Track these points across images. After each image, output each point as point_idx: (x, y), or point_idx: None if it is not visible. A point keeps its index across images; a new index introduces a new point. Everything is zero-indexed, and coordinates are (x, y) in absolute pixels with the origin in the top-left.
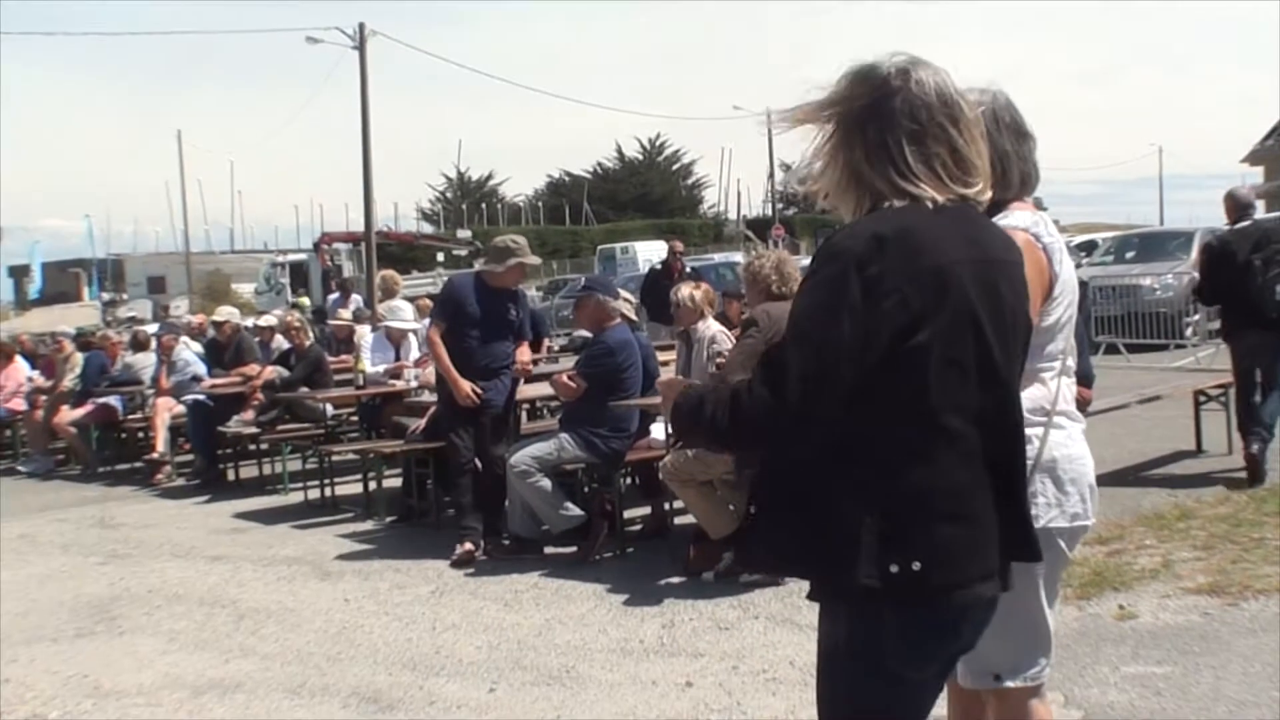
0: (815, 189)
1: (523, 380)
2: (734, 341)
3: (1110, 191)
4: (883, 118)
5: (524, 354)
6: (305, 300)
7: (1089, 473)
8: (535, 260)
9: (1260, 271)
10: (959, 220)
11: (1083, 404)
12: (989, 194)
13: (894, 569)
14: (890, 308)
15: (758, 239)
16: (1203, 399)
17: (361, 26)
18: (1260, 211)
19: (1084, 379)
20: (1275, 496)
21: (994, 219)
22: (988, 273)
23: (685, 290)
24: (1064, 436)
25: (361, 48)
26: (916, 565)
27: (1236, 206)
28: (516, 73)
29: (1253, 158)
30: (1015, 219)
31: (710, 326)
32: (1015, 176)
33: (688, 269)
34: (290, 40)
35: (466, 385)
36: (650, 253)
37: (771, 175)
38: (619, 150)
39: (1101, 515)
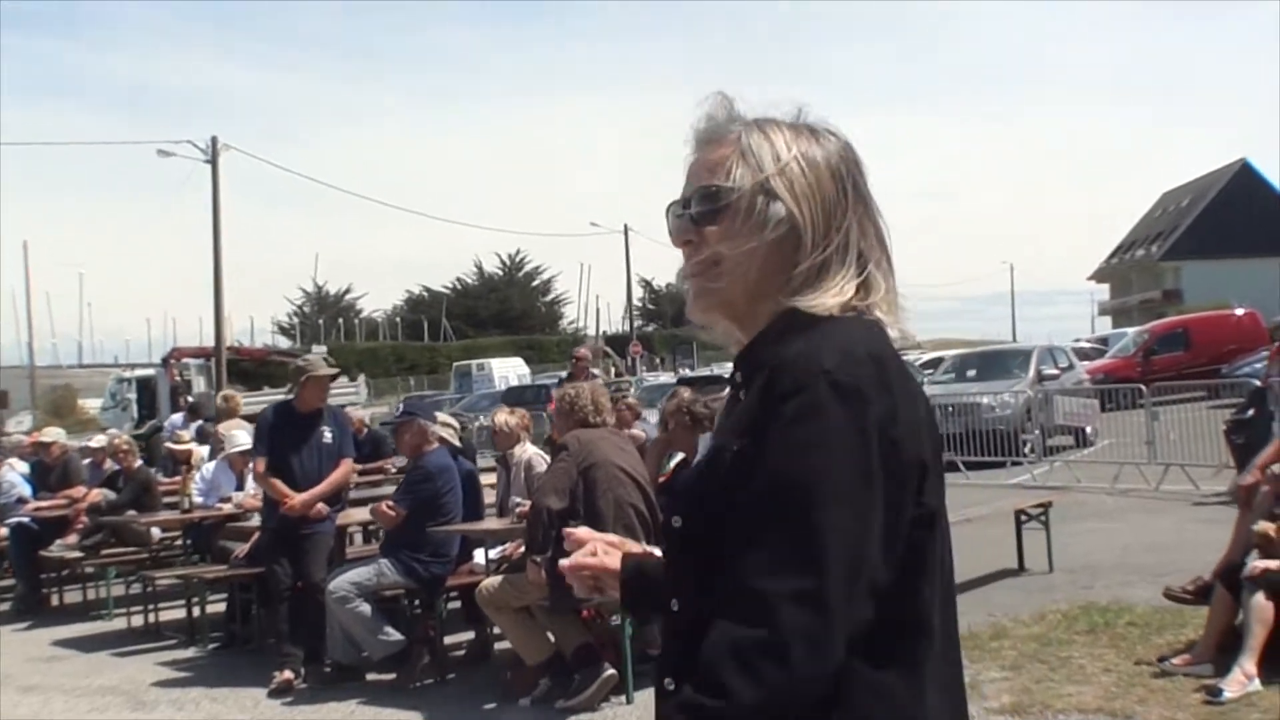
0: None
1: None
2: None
3: (966, 308)
4: (843, 201)
5: (340, 472)
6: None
7: None
8: (326, 372)
9: None
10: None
11: None
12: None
13: None
14: (909, 463)
15: (617, 355)
16: (1024, 518)
17: (214, 140)
18: (1107, 326)
19: None
20: (1086, 615)
21: None
22: (931, 415)
23: (501, 416)
24: None
25: (214, 161)
26: None
27: None
28: (375, 188)
29: (1099, 275)
30: None
31: (526, 450)
32: None
33: (596, 378)
34: (143, 153)
35: (299, 499)
36: (506, 369)
37: (630, 292)
38: (478, 266)
39: None
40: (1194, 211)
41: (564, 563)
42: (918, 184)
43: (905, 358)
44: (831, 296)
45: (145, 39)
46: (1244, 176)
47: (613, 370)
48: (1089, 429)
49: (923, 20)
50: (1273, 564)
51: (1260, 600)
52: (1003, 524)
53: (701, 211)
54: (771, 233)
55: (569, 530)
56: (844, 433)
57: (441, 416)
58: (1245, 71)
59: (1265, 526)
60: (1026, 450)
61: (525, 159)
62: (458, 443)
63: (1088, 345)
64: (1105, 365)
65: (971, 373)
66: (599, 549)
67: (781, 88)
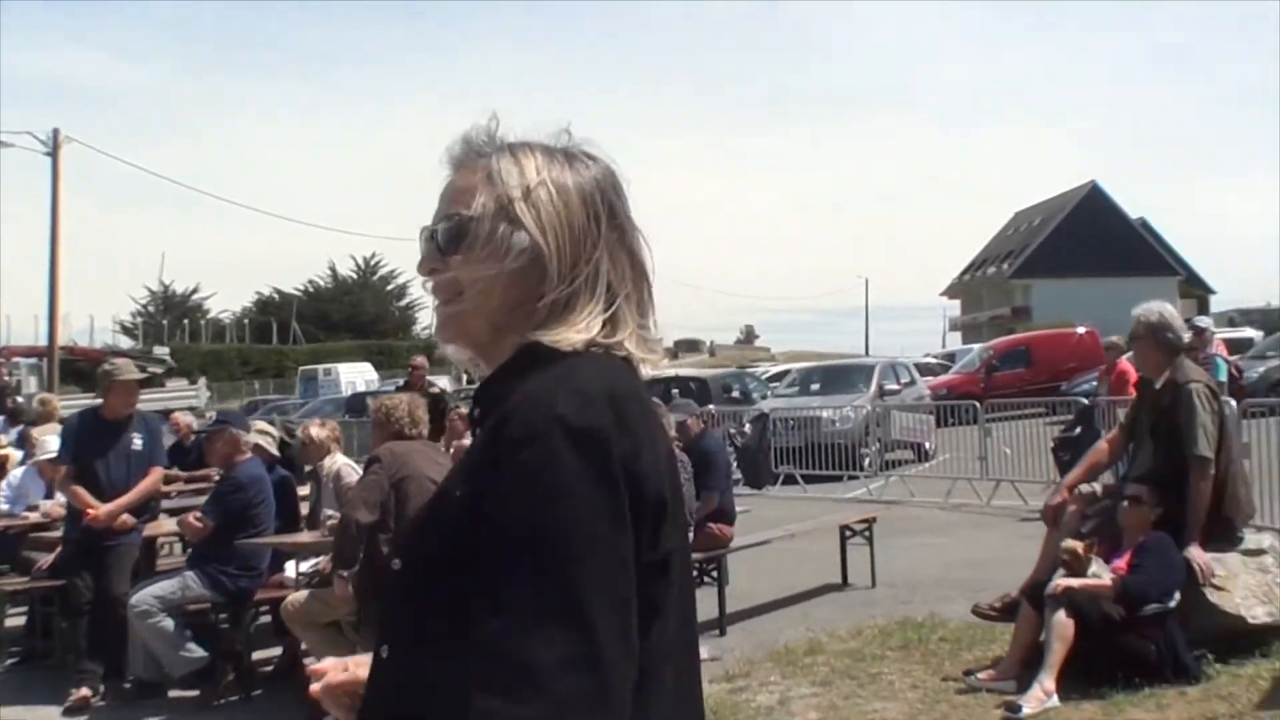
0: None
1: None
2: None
3: (824, 321)
4: (598, 222)
5: (149, 481)
6: None
7: None
8: (132, 376)
9: None
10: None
11: (724, 541)
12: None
13: None
14: (651, 501)
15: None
16: (849, 534)
17: (55, 132)
18: (958, 342)
19: (725, 516)
20: (901, 630)
21: None
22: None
23: (310, 430)
24: None
25: (54, 154)
26: None
27: None
28: (228, 188)
29: (951, 291)
30: None
31: (335, 461)
32: None
33: (434, 387)
34: None
35: (103, 509)
36: (354, 374)
37: None
38: (332, 269)
39: (736, 651)
40: (1045, 231)
41: (314, 687)
42: (784, 199)
43: (752, 370)
44: (575, 332)
45: None
46: (1094, 198)
47: (464, 378)
48: (927, 444)
49: (790, 38)
50: (1074, 582)
51: (1061, 618)
52: (829, 539)
53: (445, 239)
54: (513, 262)
55: (314, 669)
56: (586, 480)
57: (258, 424)
58: (1098, 97)
59: (1073, 544)
60: (866, 464)
61: (382, 162)
62: (275, 451)
63: (934, 360)
64: (949, 381)
65: (815, 386)
66: (349, 664)
67: (654, 95)
